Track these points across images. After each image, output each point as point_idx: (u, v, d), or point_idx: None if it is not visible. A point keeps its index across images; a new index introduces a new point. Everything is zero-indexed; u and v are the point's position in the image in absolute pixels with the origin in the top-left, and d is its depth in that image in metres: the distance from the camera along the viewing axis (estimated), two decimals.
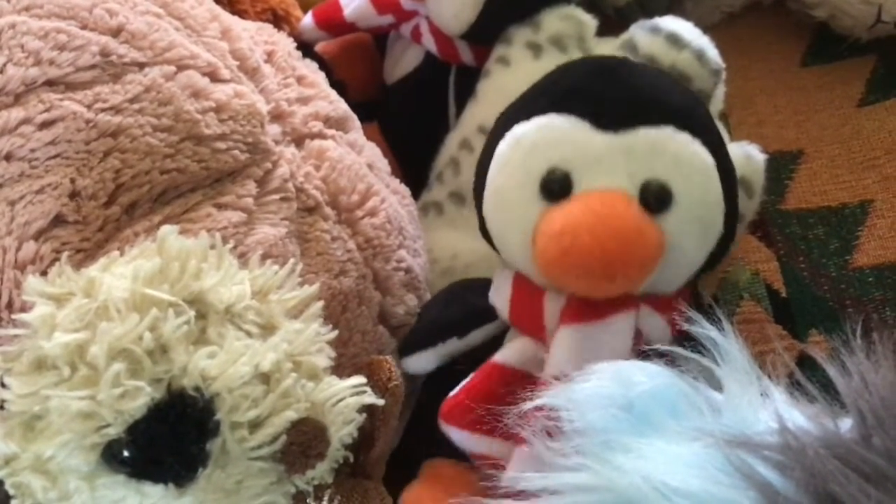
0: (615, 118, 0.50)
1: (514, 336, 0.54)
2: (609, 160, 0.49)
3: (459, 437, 0.52)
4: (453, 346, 0.55)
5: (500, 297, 0.54)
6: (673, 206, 0.49)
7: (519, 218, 0.51)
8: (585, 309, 0.50)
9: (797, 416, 0.38)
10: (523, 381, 0.48)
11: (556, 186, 0.50)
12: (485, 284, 0.56)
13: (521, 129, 0.52)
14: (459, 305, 0.57)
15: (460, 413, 0.51)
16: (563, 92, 0.52)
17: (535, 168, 0.50)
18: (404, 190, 0.63)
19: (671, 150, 0.50)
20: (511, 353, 0.53)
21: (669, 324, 0.50)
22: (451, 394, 0.53)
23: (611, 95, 0.51)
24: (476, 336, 0.55)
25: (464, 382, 0.53)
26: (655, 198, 0.49)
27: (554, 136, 0.50)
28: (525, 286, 0.53)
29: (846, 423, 0.39)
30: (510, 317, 0.54)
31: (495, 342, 0.55)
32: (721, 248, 0.53)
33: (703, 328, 0.42)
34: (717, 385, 0.42)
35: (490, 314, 0.55)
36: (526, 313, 0.53)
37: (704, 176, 0.50)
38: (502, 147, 0.52)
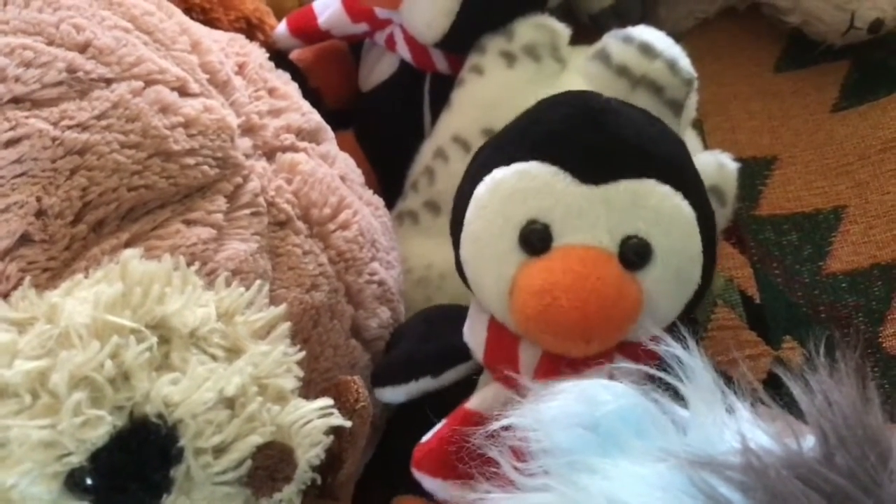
0: (597, 170, 0.49)
1: (487, 380, 0.54)
2: (590, 214, 0.48)
3: (431, 484, 0.51)
4: (426, 384, 0.55)
5: (475, 339, 0.54)
6: (652, 262, 0.48)
7: (496, 268, 0.50)
8: (561, 363, 0.49)
9: (760, 435, 0.38)
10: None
11: (535, 239, 0.49)
12: (462, 316, 0.55)
13: (500, 174, 0.50)
14: (435, 342, 0.56)
15: (432, 461, 0.51)
16: (544, 136, 0.51)
17: (514, 217, 0.49)
18: (377, 201, 0.63)
19: (652, 205, 0.49)
20: (483, 400, 0.52)
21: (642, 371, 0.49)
22: (423, 440, 0.52)
23: (593, 144, 0.49)
24: (450, 375, 0.55)
25: (435, 429, 0.52)
26: (635, 253, 0.48)
27: (534, 185, 0.49)
28: (500, 332, 0.52)
29: (811, 440, 0.39)
30: (485, 360, 0.53)
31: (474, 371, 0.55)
32: (697, 298, 0.52)
33: (668, 346, 0.42)
34: (682, 403, 0.42)
35: (465, 354, 0.54)
36: (501, 358, 0.52)
37: (685, 231, 0.49)
38: (481, 190, 0.51)
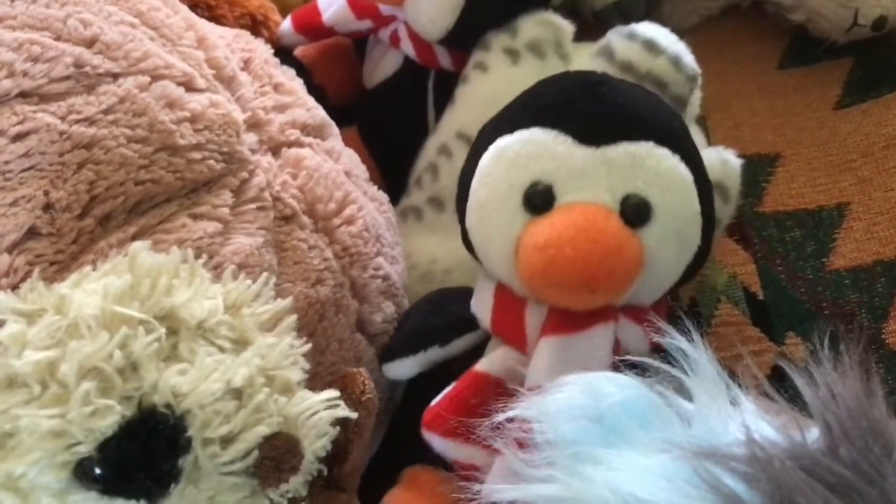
0: (596, 133, 0.50)
1: (495, 345, 0.54)
2: (590, 174, 0.50)
3: (441, 444, 0.52)
4: (435, 354, 0.56)
5: (482, 307, 0.55)
6: (652, 220, 0.50)
7: (502, 230, 0.51)
8: (566, 321, 0.50)
9: (765, 427, 0.39)
10: (505, 390, 0.49)
11: (538, 199, 0.50)
12: (467, 293, 0.57)
13: (504, 142, 0.52)
14: (442, 314, 0.57)
15: (442, 421, 0.51)
16: (545, 106, 0.52)
17: (517, 181, 0.51)
18: (382, 197, 0.63)
19: (651, 165, 0.50)
20: (492, 362, 0.53)
21: (647, 334, 0.50)
22: (434, 402, 0.53)
23: (592, 111, 0.51)
24: (458, 345, 0.56)
25: (446, 391, 0.53)
26: (635, 211, 0.50)
27: (536, 149, 0.51)
28: (507, 297, 0.53)
29: (815, 432, 0.39)
30: (492, 326, 0.54)
31: (477, 350, 0.55)
32: (698, 261, 0.53)
33: (673, 339, 0.42)
34: (687, 395, 0.42)
35: (472, 323, 0.55)
36: (507, 323, 0.53)
37: (683, 190, 0.51)
38: (485, 159, 0.53)
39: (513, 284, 0.52)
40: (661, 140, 0.51)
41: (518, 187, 0.51)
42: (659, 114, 0.53)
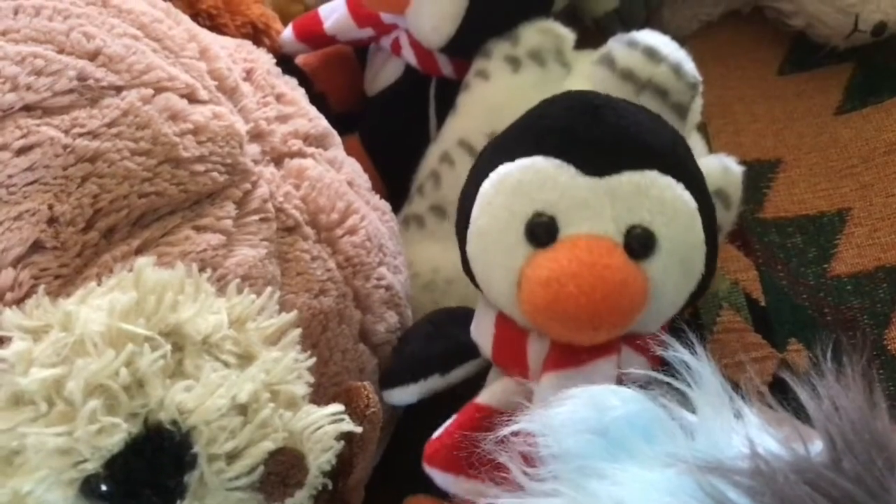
0: (599, 162, 0.50)
1: (496, 375, 0.54)
2: (594, 205, 0.49)
3: (443, 479, 0.51)
4: (435, 382, 0.55)
5: (483, 336, 0.54)
6: (657, 251, 0.49)
7: (503, 261, 0.51)
8: (569, 355, 0.50)
9: (768, 440, 0.39)
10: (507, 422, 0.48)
11: (541, 231, 0.49)
12: (468, 314, 0.56)
13: (505, 169, 0.51)
14: (442, 340, 0.57)
15: (443, 456, 0.51)
16: (546, 131, 0.51)
17: (519, 211, 0.50)
18: (384, 206, 0.63)
19: (655, 195, 0.49)
20: (493, 394, 0.52)
21: (650, 362, 0.49)
22: (434, 436, 0.52)
23: (595, 138, 0.50)
24: (458, 373, 0.55)
25: (446, 424, 0.52)
26: (640, 243, 0.49)
27: (538, 178, 0.50)
28: (508, 327, 0.52)
29: (819, 445, 0.39)
30: (493, 356, 0.54)
31: (481, 369, 0.55)
32: (701, 288, 0.53)
33: (676, 351, 0.42)
34: (690, 407, 0.42)
35: (473, 351, 0.55)
36: (509, 354, 0.52)
37: (687, 220, 0.50)
38: (486, 186, 0.52)
39: (514, 315, 0.52)
40: (665, 168, 0.50)
41: (520, 217, 0.50)
42: (662, 139, 0.52)
